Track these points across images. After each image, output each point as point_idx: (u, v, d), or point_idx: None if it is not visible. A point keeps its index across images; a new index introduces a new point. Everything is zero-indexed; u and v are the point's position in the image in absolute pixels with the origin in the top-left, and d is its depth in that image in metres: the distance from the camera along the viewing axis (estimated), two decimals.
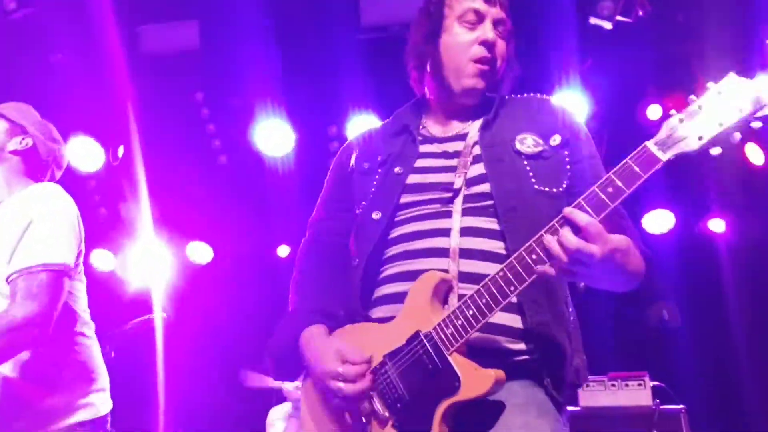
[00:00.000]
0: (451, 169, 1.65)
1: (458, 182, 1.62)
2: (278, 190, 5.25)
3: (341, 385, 1.48)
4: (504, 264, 1.43)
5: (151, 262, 5.90)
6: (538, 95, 1.80)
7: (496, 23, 1.72)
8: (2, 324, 1.86)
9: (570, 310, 1.61)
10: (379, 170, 1.74)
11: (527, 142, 1.65)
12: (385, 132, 1.84)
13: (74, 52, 4.44)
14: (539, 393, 1.52)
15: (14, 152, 2.21)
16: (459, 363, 1.43)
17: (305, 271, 1.79)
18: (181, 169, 5.27)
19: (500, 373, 1.42)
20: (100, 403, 2.10)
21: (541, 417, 1.48)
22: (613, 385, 3.88)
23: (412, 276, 1.56)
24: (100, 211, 5.64)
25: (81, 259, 2.17)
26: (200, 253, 6.21)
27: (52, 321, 1.93)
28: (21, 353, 1.96)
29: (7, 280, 1.95)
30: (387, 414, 1.47)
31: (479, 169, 1.64)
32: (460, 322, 1.44)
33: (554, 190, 1.61)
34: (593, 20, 3.66)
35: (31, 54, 4.43)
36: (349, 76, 4.27)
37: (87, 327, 2.17)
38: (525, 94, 1.82)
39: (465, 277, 1.53)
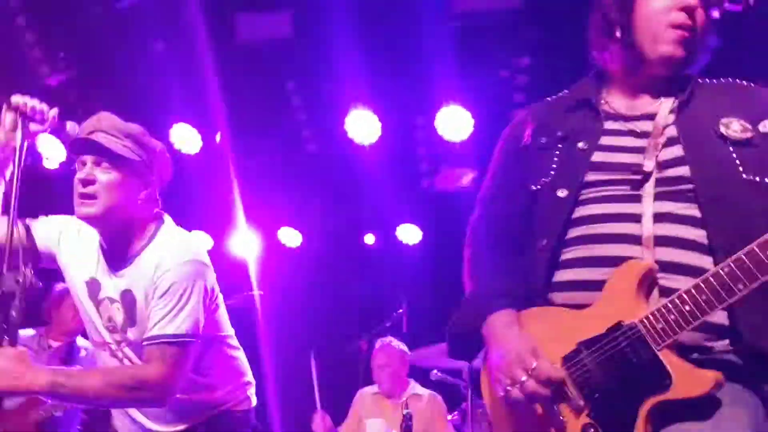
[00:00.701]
0: (640, 150, 1.52)
1: (649, 165, 1.49)
2: (364, 180, 5.28)
3: (529, 381, 1.41)
4: (730, 259, 1.32)
5: (245, 245, 6.13)
6: (740, 81, 1.62)
7: None
8: (136, 378, 1.99)
9: None
10: (560, 145, 1.62)
11: (733, 127, 1.49)
12: (561, 106, 1.71)
13: (173, 40, 4.62)
14: (749, 396, 1.40)
15: (141, 200, 2.10)
16: (670, 360, 1.35)
17: (481, 250, 1.70)
18: (272, 156, 5.39)
19: (719, 376, 1.33)
20: (248, 397, 2.34)
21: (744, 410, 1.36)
22: None
23: (597, 262, 1.48)
24: (199, 194, 5.86)
25: (216, 291, 2.20)
26: (290, 238, 6.36)
27: (177, 387, 2.05)
28: None
29: (141, 343, 2.06)
30: (582, 403, 1.41)
31: (675, 151, 1.50)
32: (673, 317, 1.35)
33: (765, 179, 1.45)
34: None
35: (133, 43, 4.63)
36: (438, 64, 4.21)
37: (232, 339, 2.32)
38: (722, 79, 1.65)
39: (663, 267, 1.43)
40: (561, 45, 3.78)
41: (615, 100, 1.64)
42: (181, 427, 2.18)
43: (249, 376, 2.36)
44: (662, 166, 1.49)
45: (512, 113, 4.63)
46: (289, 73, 4.75)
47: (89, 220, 2.05)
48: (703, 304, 1.32)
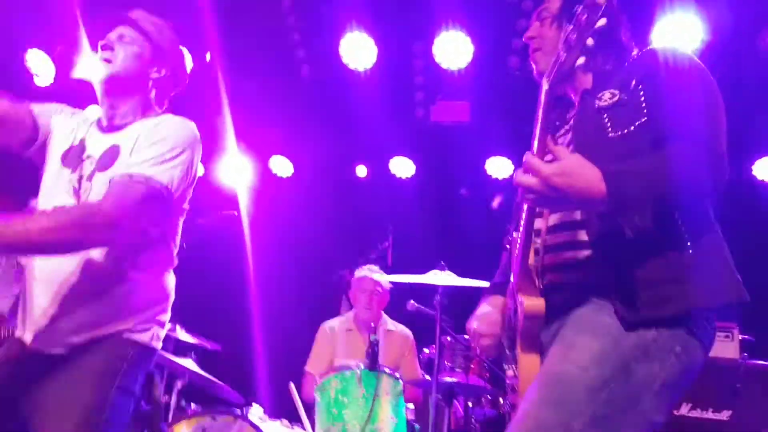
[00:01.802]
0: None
1: None
2: (359, 108, 5.15)
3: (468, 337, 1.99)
4: None
5: (235, 172, 6.03)
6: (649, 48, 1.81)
7: (539, 14, 1.92)
8: (86, 210, 1.87)
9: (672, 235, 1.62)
10: None
11: (605, 97, 1.73)
12: None
13: None
14: (605, 316, 1.60)
15: (152, 80, 2.17)
16: (524, 298, 1.72)
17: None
18: (264, 78, 5.22)
19: (532, 305, 1.68)
20: (156, 333, 2.09)
21: (595, 339, 1.58)
22: None
23: None
24: (188, 116, 5.69)
25: (188, 195, 2.13)
26: (281, 166, 6.25)
27: (130, 231, 1.90)
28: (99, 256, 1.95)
29: (109, 181, 1.95)
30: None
31: (569, 137, 1.81)
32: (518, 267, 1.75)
33: (625, 131, 1.67)
34: None
35: None
36: None
37: (173, 265, 2.18)
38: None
39: (551, 229, 1.78)
40: None
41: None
42: (78, 339, 1.94)
43: (167, 312, 2.15)
44: None
45: (515, 41, 4.48)
46: None
47: (105, 81, 2.10)
48: (524, 241, 1.73)
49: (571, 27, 1.55)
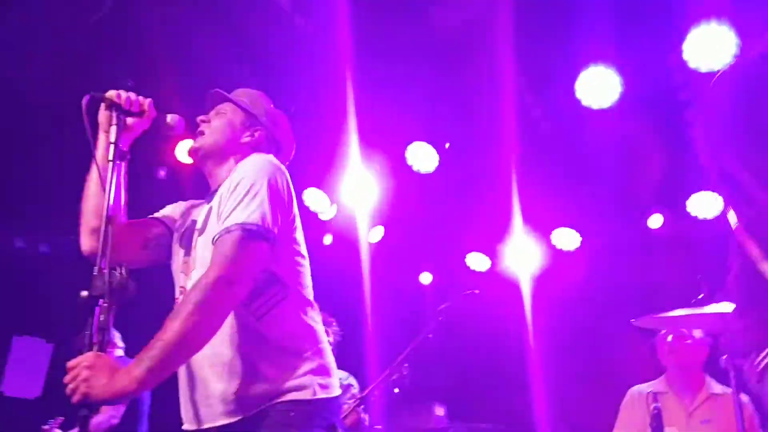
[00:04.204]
0: None
1: None
2: (623, 149, 4.49)
3: None
4: None
5: (519, 254, 5.72)
6: None
7: None
8: (200, 288, 1.82)
9: None
10: None
11: None
12: None
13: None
14: None
15: (246, 143, 2.25)
16: None
17: None
18: (509, 150, 4.92)
19: None
20: (318, 383, 1.94)
21: None
22: None
23: None
24: (467, 212, 5.63)
25: (297, 232, 2.09)
26: (566, 239, 5.72)
27: (247, 280, 1.87)
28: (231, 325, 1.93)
29: (212, 242, 1.95)
30: None
31: None
32: None
33: None
34: None
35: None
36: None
37: (312, 308, 2.06)
38: None
39: None
40: None
41: None
42: (229, 420, 1.90)
43: (324, 357, 1.98)
44: None
45: None
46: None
47: (197, 154, 2.23)
48: None
49: None
